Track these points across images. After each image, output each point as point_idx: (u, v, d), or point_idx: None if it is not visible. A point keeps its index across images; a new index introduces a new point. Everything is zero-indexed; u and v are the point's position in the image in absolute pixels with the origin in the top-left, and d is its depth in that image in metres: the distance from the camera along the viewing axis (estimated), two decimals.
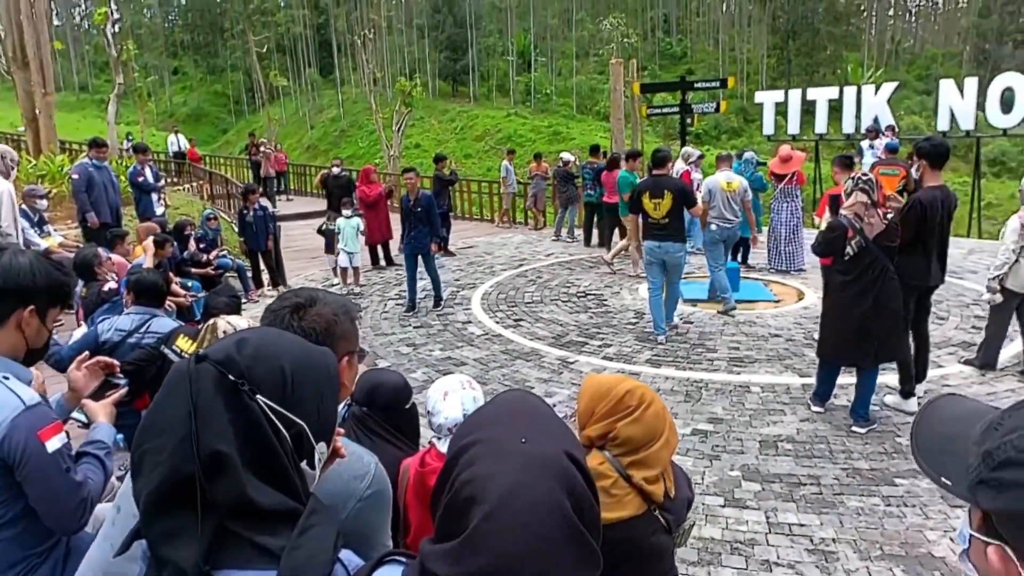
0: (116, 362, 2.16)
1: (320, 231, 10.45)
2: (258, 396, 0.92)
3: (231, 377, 0.91)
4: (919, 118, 42.57)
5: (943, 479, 0.83)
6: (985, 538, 0.79)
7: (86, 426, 2.05)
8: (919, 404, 5.00)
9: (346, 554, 0.97)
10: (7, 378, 1.77)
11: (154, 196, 9.22)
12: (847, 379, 5.15)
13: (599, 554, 0.85)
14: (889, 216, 4.66)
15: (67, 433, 1.85)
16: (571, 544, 0.81)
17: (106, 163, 8.45)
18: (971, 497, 0.79)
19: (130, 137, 22.85)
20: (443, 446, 2.09)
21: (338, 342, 1.38)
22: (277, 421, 0.93)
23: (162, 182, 9.08)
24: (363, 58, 35.74)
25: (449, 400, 2.12)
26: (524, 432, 0.89)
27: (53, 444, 1.76)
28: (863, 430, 4.73)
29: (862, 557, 3.43)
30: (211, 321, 2.34)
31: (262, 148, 19.65)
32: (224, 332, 2.22)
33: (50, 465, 1.76)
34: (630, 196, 7.43)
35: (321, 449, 1.00)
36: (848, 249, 4.59)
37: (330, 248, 10.17)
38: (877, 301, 4.57)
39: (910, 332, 5.06)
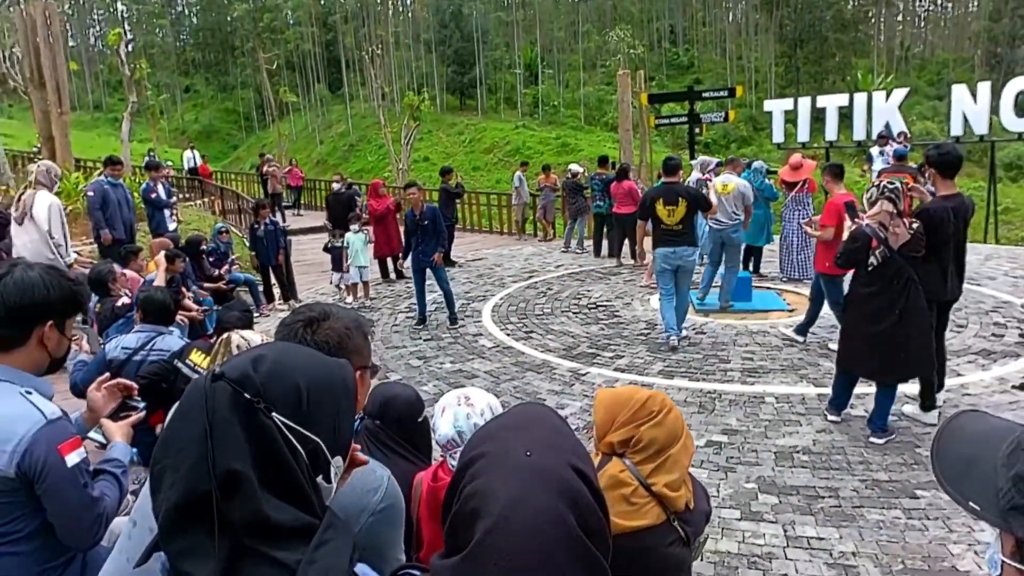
0: (134, 384, 2.18)
1: (326, 249, 10.34)
2: (274, 414, 0.92)
3: (247, 396, 0.91)
4: (931, 123, 42.43)
5: (971, 503, 0.80)
6: (1020, 566, 0.75)
7: (103, 447, 2.06)
8: (940, 416, 4.92)
9: (361, 568, 0.96)
10: (29, 392, 1.80)
11: (167, 212, 9.30)
12: (865, 389, 5.07)
13: (605, 567, 0.84)
14: (914, 226, 4.49)
15: (85, 449, 1.86)
16: (575, 558, 0.81)
17: (120, 181, 8.53)
18: (1003, 523, 0.76)
19: (152, 153, 23.21)
20: (452, 460, 2.06)
21: (351, 356, 1.37)
22: (293, 438, 0.92)
23: (174, 198, 9.16)
24: (371, 73, 36.11)
25: (444, 416, 2.10)
26: (530, 445, 0.89)
27: (72, 459, 1.78)
28: (881, 441, 4.65)
29: (884, 572, 3.36)
30: (225, 336, 2.33)
31: (266, 166, 19.80)
32: (238, 347, 2.22)
33: (68, 479, 1.77)
34: (640, 204, 7.45)
35: (337, 463, 0.99)
36: (872, 259, 4.47)
37: (337, 266, 10.09)
38: (904, 313, 4.43)
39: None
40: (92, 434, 2.06)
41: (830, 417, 4.99)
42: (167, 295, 4.03)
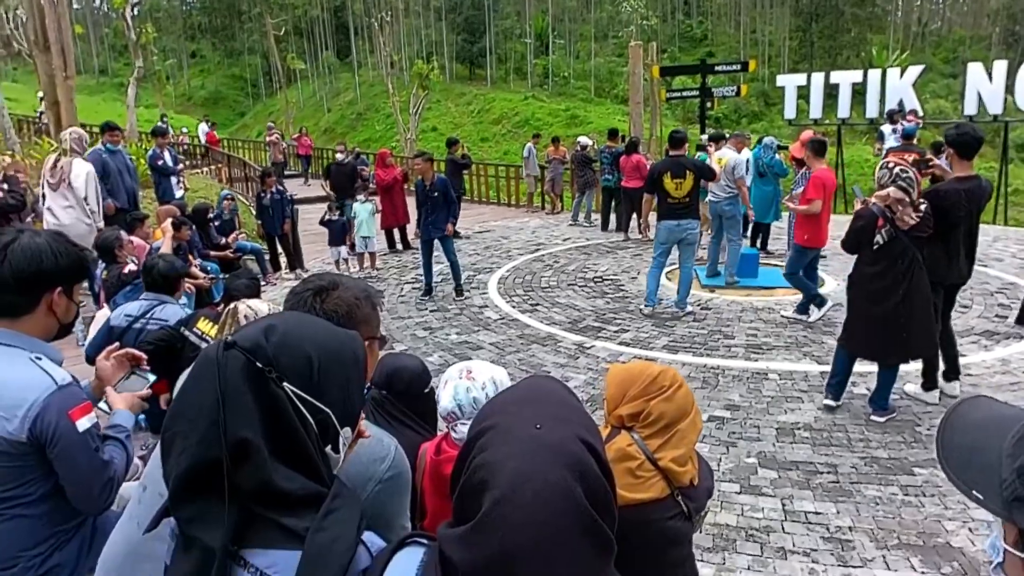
0: (143, 355, 2.19)
1: (323, 222, 9.81)
2: (284, 384, 0.93)
3: (259, 365, 0.92)
4: (945, 102, 41.76)
5: (974, 492, 0.81)
6: (1023, 555, 0.77)
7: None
8: (940, 397, 4.93)
9: (369, 536, 0.98)
10: (39, 358, 1.82)
11: (173, 179, 9.26)
12: (867, 367, 5.07)
13: (612, 540, 0.85)
14: (922, 206, 4.42)
15: (96, 414, 1.90)
16: (582, 531, 0.82)
17: (120, 147, 8.47)
18: (1006, 513, 0.77)
19: (164, 119, 23.13)
20: (456, 433, 2.09)
21: (359, 326, 1.38)
22: (303, 408, 0.94)
23: (181, 165, 9.10)
24: (380, 41, 35.67)
25: (446, 389, 2.11)
26: (539, 418, 0.89)
27: (83, 424, 1.81)
28: (882, 419, 4.67)
29: (879, 546, 3.42)
30: (232, 306, 2.34)
31: (268, 135, 19.67)
32: (245, 316, 2.23)
33: (80, 444, 1.80)
34: (647, 177, 7.47)
35: (346, 434, 1.02)
36: (878, 237, 4.43)
37: (334, 240, 9.72)
38: (908, 293, 4.41)
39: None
40: (101, 404, 2.09)
41: (826, 402, 4.90)
42: (169, 264, 3.99)
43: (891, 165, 4.52)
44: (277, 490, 0.90)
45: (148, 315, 3.77)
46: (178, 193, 9.27)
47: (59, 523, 1.88)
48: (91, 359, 3.51)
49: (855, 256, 4.71)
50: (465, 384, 2.09)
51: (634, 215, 11.36)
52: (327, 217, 9.75)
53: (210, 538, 0.88)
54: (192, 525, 0.90)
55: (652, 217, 7.94)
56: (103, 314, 4.26)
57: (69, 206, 6.54)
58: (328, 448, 0.99)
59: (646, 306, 7.30)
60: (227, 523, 0.88)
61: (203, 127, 22.82)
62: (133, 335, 3.67)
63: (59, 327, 1.93)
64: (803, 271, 6.80)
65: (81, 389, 1.89)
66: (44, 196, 6.67)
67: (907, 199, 4.35)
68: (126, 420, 2.06)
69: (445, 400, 2.09)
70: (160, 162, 9.18)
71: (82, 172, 6.57)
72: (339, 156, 12.30)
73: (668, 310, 7.32)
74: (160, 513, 0.95)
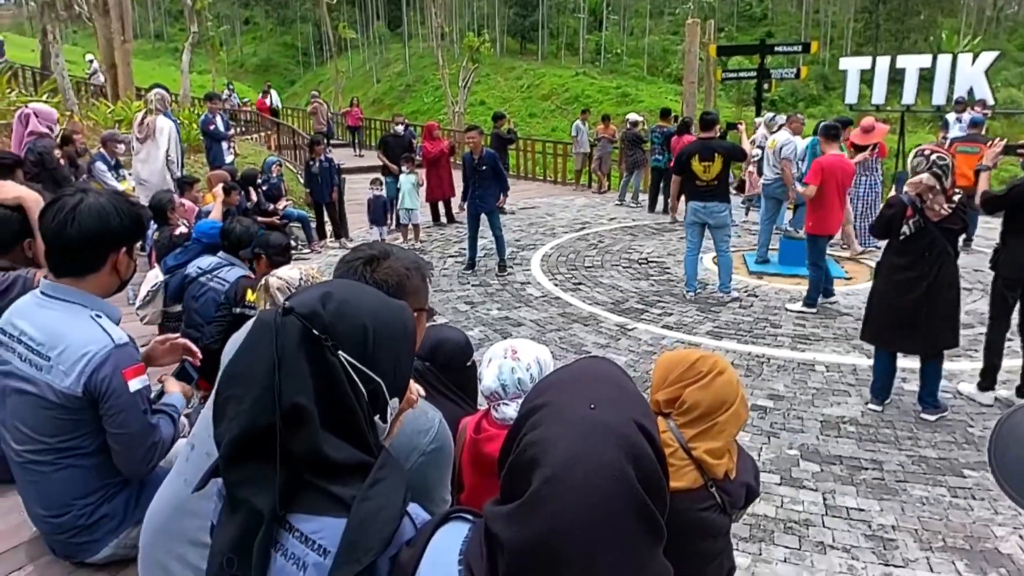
0: (198, 353, 2.24)
1: (370, 204, 9.62)
2: (340, 352, 0.93)
3: (315, 332, 0.92)
4: (1018, 92, 39.81)
5: None
6: None
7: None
8: (995, 400, 4.75)
9: (414, 508, 0.98)
10: (99, 316, 1.87)
11: (224, 144, 9.42)
12: (917, 363, 4.90)
13: (663, 527, 0.83)
14: (956, 197, 4.25)
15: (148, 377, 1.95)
16: (634, 515, 0.80)
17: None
18: None
19: (230, 87, 23.51)
20: (497, 413, 2.07)
21: (408, 297, 1.38)
22: (356, 377, 0.93)
23: (232, 131, 9.25)
24: (432, 12, 35.53)
25: (490, 368, 2.08)
26: (594, 398, 0.87)
27: (135, 384, 1.87)
28: (932, 417, 4.52)
29: (923, 547, 3.32)
30: (262, 283, 2.36)
31: (312, 104, 19.73)
32: (277, 289, 2.24)
33: (130, 403, 1.85)
34: (676, 159, 7.45)
35: (394, 404, 1.01)
36: (904, 228, 4.29)
37: (376, 219, 9.57)
38: (932, 287, 4.28)
39: (1020, 333, 4.68)
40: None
41: (871, 406, 4.75)
42: (245, 228, 4.11)
43: (927, 152, 4.35)
44: (326, 458, 0.90)
45: (215, 272, 3.98)
46: (228, 158, 9.42)
47: (109, 476, 1.95)
48: (175, 297, 3.73)
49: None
50: (510, 364, 2.06)
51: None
52: (373, 194, 9.69)
53: (260, 501, 0.89)
54: (241, 488, 0.91)
55: (683, 203, 7.87)
56: (153, 274, 4.39)
57: (150, 158, 7.36)
58: (376, 418, 0.98)
59: (687, 291, 7.22)
60: (277, 487, 0.88)
61: (274, 94, 22.99)
62: (197, 287, 3.94)
63: (119, 284, 1.99)
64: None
65: (136, 350, 1.93)
66: (133, 148, 7.57)
67: (939, 187, 4.19)
68: (178, 402, 2.13)
69: (489, 379, 2.07)
70: (212, 127, 9.34)
71: (164, 128, 7.34)
72: (398, 128, 12.21)
73: (713, 295, 7.21)
74: (208, 473, 0.96)
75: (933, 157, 4.28)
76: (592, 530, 0.77)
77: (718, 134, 7.25)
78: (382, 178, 10.31)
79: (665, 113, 12.54)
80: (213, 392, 0.96)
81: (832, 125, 6.88)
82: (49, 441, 1.86)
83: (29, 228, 2.65)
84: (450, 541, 0.90)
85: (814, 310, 6.66)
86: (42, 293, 1.89)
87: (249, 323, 1.51)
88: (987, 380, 4.75)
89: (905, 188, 4.39)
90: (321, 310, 0.94)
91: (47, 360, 1.81)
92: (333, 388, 0.92)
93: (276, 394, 0.88)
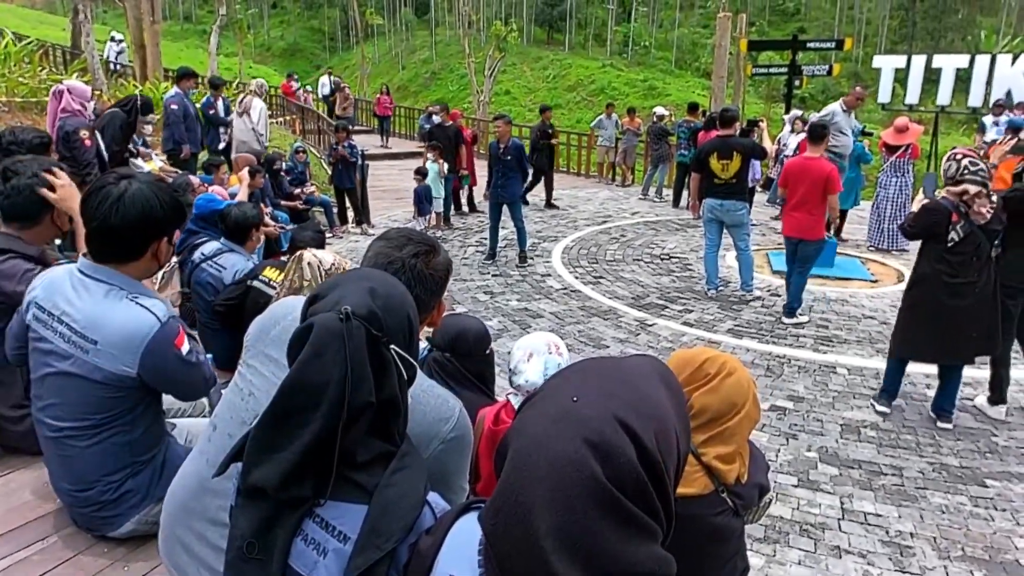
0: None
1: (418, 196, 9.56)
2: (392, 347, 0.96)
3: (375, 333, 0.95)
4: None
5: None
6: None
7: None
8: (1007, 412, 4.65)
9: (434, 497, 0.98)
10: (136, 297, 1.89)
11: (221, 130, 9.27)
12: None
13: (651, 523, 0.79)
14: (993, 198, 4.16)
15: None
16: (599, 505, 0.76)
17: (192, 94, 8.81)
18: None
19: (293, 76, 23.06)
20: (518, 403, 2.08)
21: (444, 289, 1.45)
22: (402, 367, 0.96)
23: (231, 117, 9.25)
24: None
25: (532, 363, 2.07)
26: (583, 391, 0.83)
27: (184, 348, 1.93)
28: (950, 425, 4.45)
29: (941, 555, 3.27)
30: (297, 254, 2.39)
31: (342, 88, 19.63)
32: (309, 264, 2.27)
33: (183, 365, 1.93)
34: (694, 156, 7.43)
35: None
36: (952, 235, 4.16)
37: (421, 210, 9.51)
38: (980, 294, 4.16)
39: (1014, 341, 4.56)
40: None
41: (879, 408, 4.68)
42: (242, 212, 4.07)
43: (959, 156, 4.24)
44: (356, 453, 0.93)
45: (215, 258, 3.96)
46: (221, 145, 9.28)
47: (139, 453, 1.99)
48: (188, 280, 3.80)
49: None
50: (556, 360, 2.07)
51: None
52: (420, 186, 9.52)
53: (300, 488, 0.92)
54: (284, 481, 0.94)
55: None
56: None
57: (243, 130, 8.84)
58: None
59: (708, 288, 7.16)
60: (312, 477, 0.91)
61: (323, 79, 22.48)
62: (199, 272, 3.93)
63: (157, 269, 2.04)
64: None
65: (177, 319, 1.96)
66: (232, 120, 9.06)
67: (984, 191, 4.09)
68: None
69: (533, 374, 2.06)
70: (212, 111, 9.31)
71: (257, 107, 8.85)
72: (436, 119, 12.05)
73: (736, 293, 7.15)
74: (229, 457, 0.97)
75: (965, 162, 4.18)
76: (550, 516, 0.75)
77: (737, 132, 7.11)
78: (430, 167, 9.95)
79: (693, 108, 12.40)
80: (275, 394, 0.95)
81: (818, 124, 6.59)
82: (93, 417, 1.89)
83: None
84: (470, 532, 0.90)
85: (794, 319, 6.42)
86: (80, 271, 1.91)
87: (274, 305, 1.52)
88: (996, 394, 4.65)
89: (943, 194, 4.26)
90: (377, 311, 0.97)
91: (93, 344, 1.83)
92: (386, 382, 0.95)
93: (346, 400, 0.90)
